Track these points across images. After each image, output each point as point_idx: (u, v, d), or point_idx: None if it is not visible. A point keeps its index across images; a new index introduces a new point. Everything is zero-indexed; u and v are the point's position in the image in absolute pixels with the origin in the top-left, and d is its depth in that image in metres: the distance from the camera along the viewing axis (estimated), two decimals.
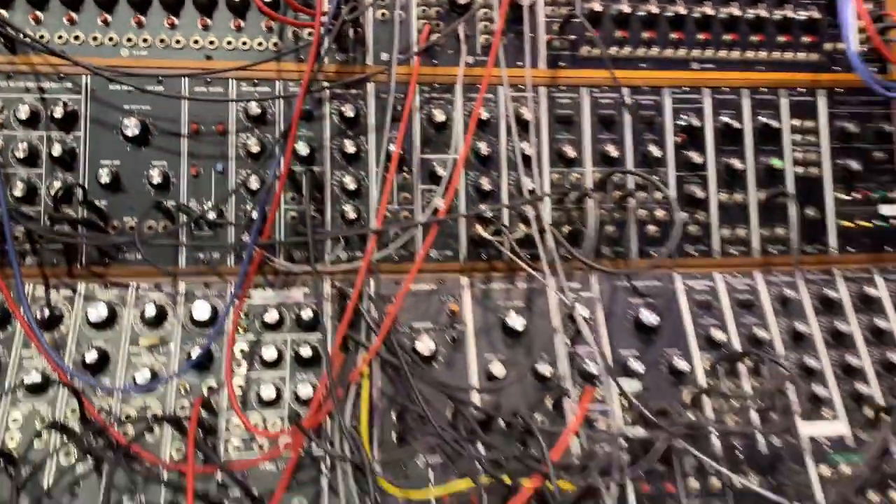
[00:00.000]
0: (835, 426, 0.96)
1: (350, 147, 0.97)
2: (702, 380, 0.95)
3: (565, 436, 0.85)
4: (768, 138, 1.07)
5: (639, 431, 0.90)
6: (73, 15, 0.96)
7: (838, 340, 1.01)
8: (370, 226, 0.95)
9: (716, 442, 0.92)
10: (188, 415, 0.83)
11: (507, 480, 0.83)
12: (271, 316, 0.92)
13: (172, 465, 0.81)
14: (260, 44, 0.99)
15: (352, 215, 0.96)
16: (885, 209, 1.09)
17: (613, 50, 1.05)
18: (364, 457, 0.76)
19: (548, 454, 0.80)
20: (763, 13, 1.08)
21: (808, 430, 0.95)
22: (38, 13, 0.95)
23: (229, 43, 0.99)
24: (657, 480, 0.90)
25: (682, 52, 1.07)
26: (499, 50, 0.98)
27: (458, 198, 1.00)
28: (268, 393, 0.87)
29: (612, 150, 1.03)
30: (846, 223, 1.08)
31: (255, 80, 0.98)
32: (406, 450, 0.87)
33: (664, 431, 0.86)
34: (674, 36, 1.07)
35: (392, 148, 0.96)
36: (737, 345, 0.98)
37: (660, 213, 1.03)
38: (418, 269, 0.91)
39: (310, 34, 0.96)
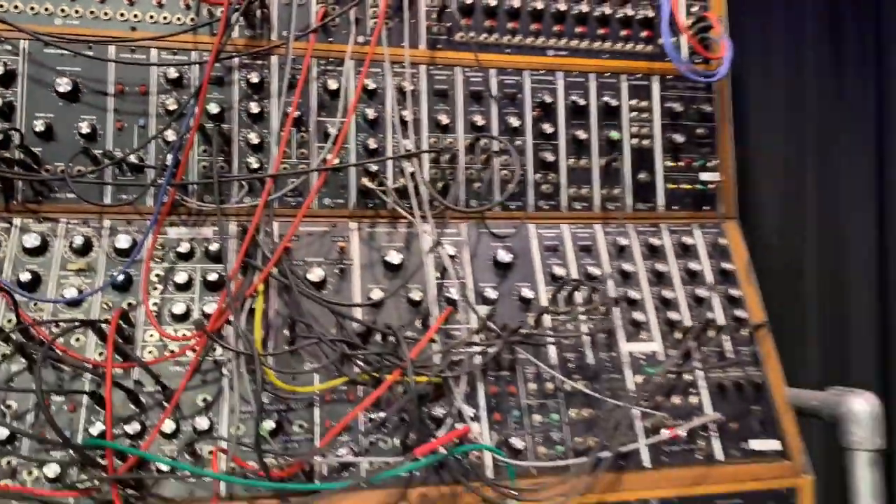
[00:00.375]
0: (650, 345, 1.19)
1: (255, 108, 1.15)
2: (542, 304, 1.17)
3: (424, 340, 1.05)
4: (609, 114, 1.30)
5: (490, 346, 1.10)
6: None
7: (659, 278, 1.25)
8: (273, 166, 1.13)
9: (552, 355, 1.14)
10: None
11: (376, 376, 1.03)
12: (183, 247, 1.09)
13: (94, 362, 0.97)
14: (178, 18, 1.16)
15: (255, 165, 1.14)
16: (704, 175, 1.33)
17: (483, 36, 1.26)
18: (255, 351, 0.94)
19: (407, 353, 1.00)
20: (607, 10, 1.31)
21: (628, 347, 1.18)
22: None
23: (151, 17, 1.15)
24: (503, 384, 1.11)
25: (540, 41, 1.28)
26: (382, 32, 1.18)
27: (349, 154, 1.19)
28: (178, 310, 1.04)
29: (480, 120, 1.24)
30: (672, 186, 1.32)
31: (175, 50, 1.15)
32: (295, 357, 1.06)
33: (503, 339, 1.07)
34: (533, 27, 1.28)
35: (289, 110, 1.14)
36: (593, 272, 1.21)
37: (518, 173, 1.25)
38: (307, 208, 1.10)
39: (221, 10, 1.13)
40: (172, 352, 1.01)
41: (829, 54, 2.00)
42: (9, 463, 0.92)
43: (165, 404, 0.98)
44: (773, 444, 1.15)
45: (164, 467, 0.93)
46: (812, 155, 1.96)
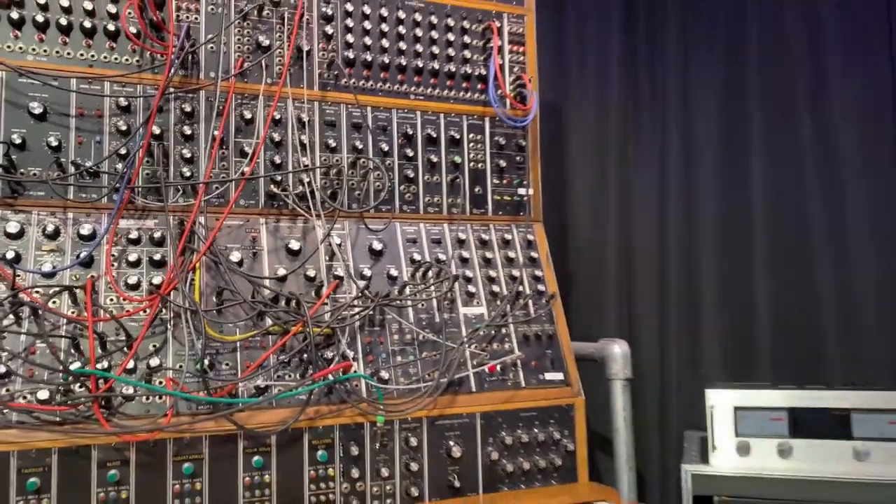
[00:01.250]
0: (479, 309, 1.68)
1: (188, 130, 1.52)
2: (405, 279, 1.63)
3: (318, 302, 1.47)
4: (454, 144, 1.78)
5: (354, 308, 1.54)
6: None
7: (487, 263, 1.74)
8: (203, 174, 1.51)
9: (410, 315, 1.60)
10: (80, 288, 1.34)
11: (284, 328, 1.44)
12: (133, 235, 1.44)
13: (73, 317, 1.32)
14: (126, 59, 1.51)
15: (187, 174, 1.51)
16: (521, 191, 1.85)
17: (361, 83, 1.70)
18: (198, 307, 1.33)
19: (307, 311, 1.42)
20: (453, 68, 1.79)
21: (463, 310, 1.66)
22: None
23: (105, 57, 1.49)
24: (375, 335, 1.55)
25: (404, 88, 1.75)
26: (286, 76, 1.59)
27: (260, 167, 1.59)
28: (132, 281, 1.40)
29: (359, 144, 1.68)
30: (497, 197, 1.82)
31: (123, 84, 1.50)
32: (222, 315, 1.44)
33: (375, 303, 1.52)
34: (399, 77, 1.74)
35: (215, 133, 1.53)
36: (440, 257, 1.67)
37: (387, 185, 1.70)
38: (231, 206, 1.49)
39: (162, 57, 1.50)
40: (128, 311, 1.37)
41: (625, 97, 2.63)
42: (7, 390, 1.25)
43: (126, 350, 1.33)
44: (558, 376, 1.68)
45: (130, 390, 1.29)
46: (613, 176, 2.58)
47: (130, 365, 1.32)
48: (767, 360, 2.50)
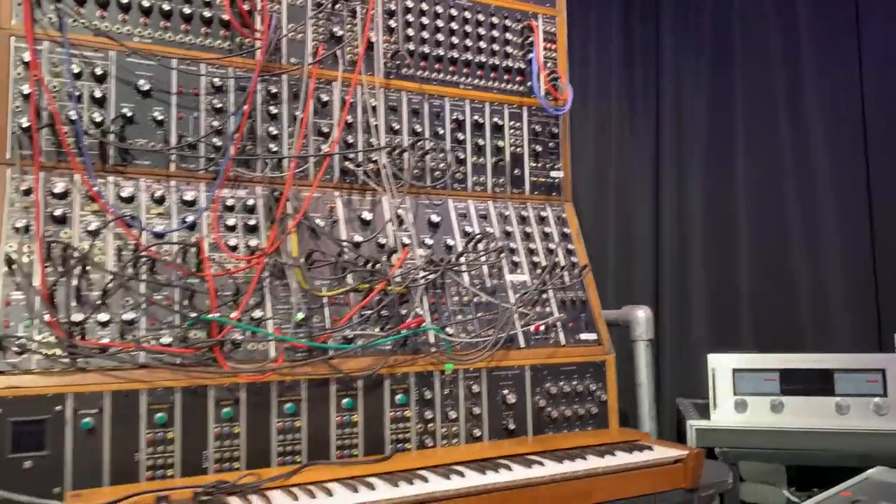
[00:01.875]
0: (522, 276, 1.89)
1: (273, 110, 1.69)
2: (460, 249, 1.82)
3: (396, 264, 1.66)
4: (497, 130, 1.99)
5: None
6: (104, 12, 1.55)
7: (527, 237, 1.95)
8: (293, 153, 1.68)
9: (466, 280, 1.80)
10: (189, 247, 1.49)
11: (367, 286, 1.62)
12: (230, 203, 1.60)
13: (186, 272, 1.47)
14: (218, 42, 1.66)
15: (274, 149, 1.68)
16: (553, 173, 2.07)
17: (419, 73, 1.89)
18: (301, 264, 1.50)
19: (390, 271, 1.61)
20: (497, 61, 2.00)
21: (509, 277, 1.87)
22: (81, 9, 1.53)
23: (200, 40, 1.64)
24: (438, 297, 1.75)
25: (455, 78, 1.94)
26: (361, 65, 1.77)
27: (336, 146, 1.77)
28: (232, 243, 1.56)
29: (417, 127, 1.87)
30: (534, 179, 2.03)
31: (217, 66, 1.65)
32: (313, 273, 1.61)
33: (441, 268, 1.71)
34: (451, 68, 1.94)
35: (296, 113, 1.70)
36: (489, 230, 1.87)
37: (442, 165, 1.89)
38: (318, 180, 1.66)
39: (251, 42, 1.66)
40: (239, 268, 1.53)
41: (624, 97, 2.89)
42: (133, 336, 1.40)
43: (232, 304, 1.49)
44: (592, 336, 1.90)
45: (239, 338, 1.46)
46: (615, 165, 2.83)
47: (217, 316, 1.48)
48: (749, 331, 2.79)
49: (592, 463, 1.52)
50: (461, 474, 1.40)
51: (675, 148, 2.88)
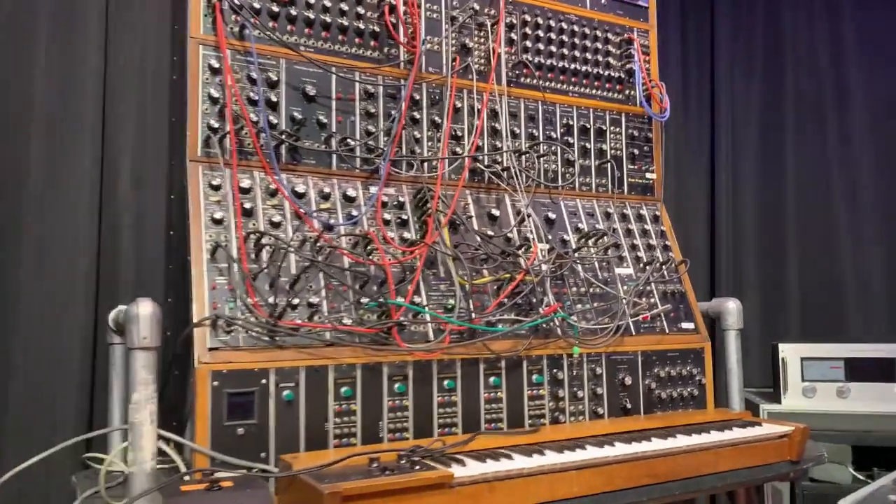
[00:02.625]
0: (628, 270, 2.06)
1: (417, 115, 1.85)
2: (573, 244, 1.99)
3: (531, 258, 1.82)
4: (600, 134, 2.16)
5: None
6: (275, 23, 1.70)
7: (628, 234, 2.13)
8: (438, 155, 1.83)
9: (580, 272, 1.97)
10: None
11: (509, 276, 1.78)
12: (384, 199, 1.76)
13: (360, 260, 1.62)
14: (367, 52, 1.81)
15: (417, 151, 1.84)
16: (648, 175, 2.25)
17: (535, 81, 2.06)
18: (458, 255, 1.66)
19: (526, 263, 1.77)
20: (600, 71, 2.17)
21: (617, 270, 2.04)
22: (257, 20, 1.68)
23: (354, 50, 1.80)
24: (559, 287, 1.91)
25: (564, 87, 2.11)
26: (492, 75, 1.93)
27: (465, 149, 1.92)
28: (391, 235, 1.72)
29: (534, 132, 2.03)
30: (632, 180, 2.21)
31: (367, 74, 1.81)
32: (458, 263, 1.77)
33: (565, 258, 1.88)
34: (561, 77, 2.10)
35: (435, 118, 1.85)
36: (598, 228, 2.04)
37: (554, 166, 2.06)
38: (463, 181, 1.83)
39: (402, 52, 1.81)
40: (404, 258, 1.68)
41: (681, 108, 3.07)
42: (319, 317, 1.55)
43: (390, 287, 1.65)
44: (691, 325, 2.08)
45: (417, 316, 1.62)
46: (673, 172, 3.01)
47: (401, 300, 1.64)
48: (797, 323, 2.99)
49: (717, 437, 1.70)
50: (612, 444, 1.57)
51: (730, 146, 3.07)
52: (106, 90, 1.97)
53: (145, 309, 1.34)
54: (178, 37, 2.00)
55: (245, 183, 1.61)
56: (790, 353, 2.43)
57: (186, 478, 1.28)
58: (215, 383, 1.41)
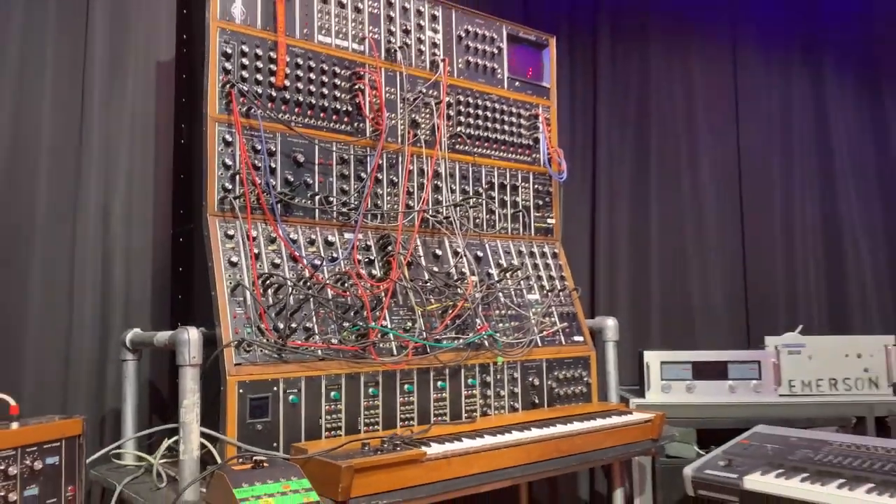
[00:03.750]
0: (535, 296, 2.66)
1: (378, 176, 2.34)
2: (496, 277, 2.56)
3: (469, 287, 2.37)
4: (514, 188, 2.75)
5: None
6: (273, 105, 2.14)
7: (534, 266, 2.73)
8: (397, 209, 2.34)
9: (502, 298, 2.54)
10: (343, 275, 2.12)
11: (451, 303, 2.32)
12: (356, 243, 2.24)
13: (342, 293, 2.10)
14: (341, 127, 2.29)
15: (379, 204, 2.33)
16: (549, 220, 2.86)
17: (466, 147, 2.61)
18: (417, 288, 2.17)
19: (465, 292, 2.32)
20: (514, 140, 2.76)
21: (528, 296, 2.63)
22: (258, 102, 2.11)
23: (331, 125, 2.27)
24: (488, 311, 2.47)
25: (488, 152, 2.68)
26: (441, 142, 2.46)
27: (415, 202, 2.44)
28: (362, 272, 2.20)
29: (468, 188, 2.58)
30: (537, 224, 2.82)
31: (342, 144, 2.28)
32: (415, 294, 2.28)
33: (491, 288, 2.45)
34: (486, 144, 2.67)
35: (393, 178, 2.36)
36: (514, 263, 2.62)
37: (481, 214, 2.62)
38: (417, 230, 2.34)
39: (370, 127, 2.31)
40: (376, 291, 2.17)
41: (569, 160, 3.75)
42: (312, 338, 2.01)
43: (367, 314, 2.14)
44: (581, 338, 2.71)
45: (384, 336, 2.11)
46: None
47: (375, 325, 2.13)
48: (658, 334, 3.74)
49: (601, 422, 2.32)
50: (529, 429, 2.15)
51: (607, 194, 3.78)
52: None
53: (193, 335, 1.76)
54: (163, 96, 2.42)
55: (252, 233, 2.04)
56: (652, 358, 3.13)
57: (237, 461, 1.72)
58: (240, 391, 1.85)
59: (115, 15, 2.45)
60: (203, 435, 1.78)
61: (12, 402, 1.45)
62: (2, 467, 1.31)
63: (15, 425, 1.38)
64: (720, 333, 3.74)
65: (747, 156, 3.86)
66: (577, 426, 2.25)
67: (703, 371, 3.13)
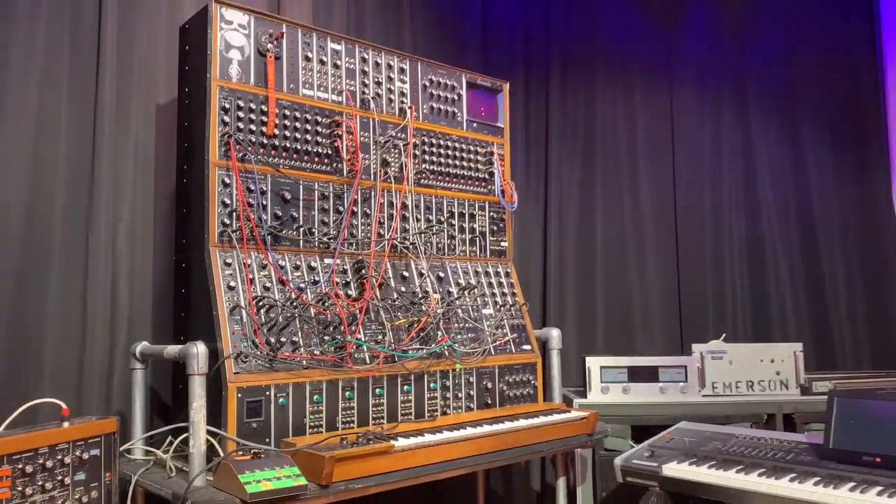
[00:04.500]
0: (490, 311, 3.06)
1: (354, 209, 2.72)
2: (456, 294, 2.96)
3: (431, 305, 2.76)
4: (472, 216, 3.15)
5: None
6: (264, 150, 2.51)
7: (489, 285, 3.13)
8: (372, 238, 2.72)
9: (460, 313, 2.94)
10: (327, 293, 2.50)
11: (415, 319, 2.71)
12: (335, 268, 2.62)
13: (323, 311, 2.48)
14: (321, 168, 2.66)
15: (354, 233, 2.71)
16: (503, 244, 3.27)
17: (431, 181, 3.00)
18: (388, 306, 2.56)
19: (428, 309, 2.71)
20: (472, 174, 3.16)
21: (484, 311, 3.04)
22: (252, 147, 2.48)
23: (314, 167, 2.64)
24: (448, 324, 2.87)
25: (450, 185, 3.08)
26: (408, 178, 2.85)
27: (386, 231, 2.82)
28: (340, 292, 2.58)
29: (432, 217, 2.98)
30: (492, 247, 3.22)
31: (322, 182, 2.65)
32: (386, 313, 2.67)
33: (451, 305, 2.84)
34: (445, 178, 3.07)
35: (368, 210, 2.74)
36: (471, 282, 3.02)
37: (443, 239, 3.02)
38: (387, 254, 2.73)
39: (341, 167, 2.68)
40: (352, 309, 2.55)
41: (524, 184, 4.17)
42: (298, 350, 2.38)
43: (343, 329, 2.51)
44: (528, 347, 3.12)
45: (359, 347, 2.49)
46: (519, 226, 4.09)
47: (351, 338, 2.51)
48: (601, 341, 4.19)
49: (544, 419, 2.74)
50: (482, 426, 2.55)
51: (557, 213, 4.22)
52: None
53: (201, 349, 2.12)
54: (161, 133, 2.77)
55: (247, 261, 2.41)
56: (593, 363, 3.56)
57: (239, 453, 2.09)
58: (239, 395, 2.21)
59: (121, 62, 2.78)
60: (208, 432, 2.13)
61: (64, 405, 1.80)
62: (59, 457, 1.66)
63: (66, 424, 1.73)
64: (657, 340, 4.20)
65: (682, 182, 4.33)
66: (521, 423, 2.66)
67: (637, 374, 3.57)
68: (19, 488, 1.56)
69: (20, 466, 1.57)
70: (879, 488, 2.28)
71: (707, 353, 3.64)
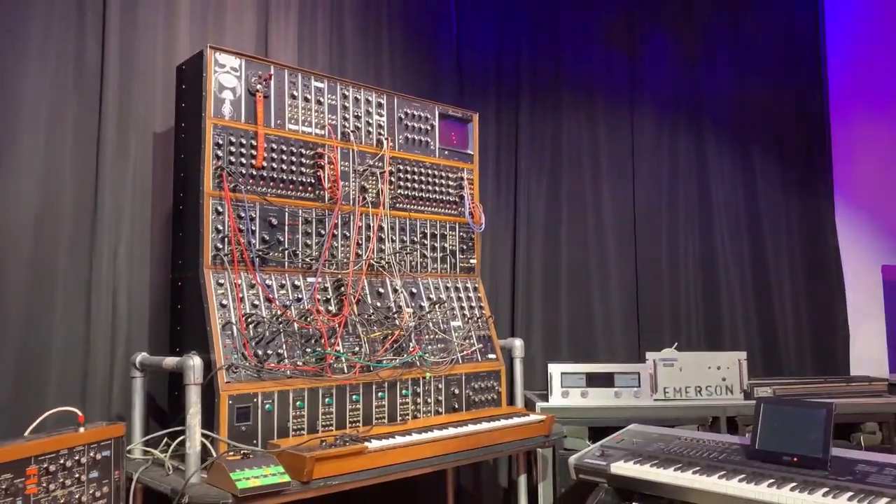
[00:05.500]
0: (458, 323, 3.36)
1: (334, 232, 3.01)
2: (427, 309, 3.25)
3: (404, 318, 3.05)
4: (444, 236, 3.45)
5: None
6: (253, 181, 2.78)
7: (458, 300, 3.43)
8: (351, 259, 3.00)
9: (431, 325, 3.23)
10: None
11: (390, 331, 3.00)
12: (317, 286, 2.90)
13: (306, 326, 2.76)
14: (304, 195, 2.94)
15: (334, 254, 3.00)
16: (471, 261, 3.57)
17: (405, 205, 3.29)
18: (364, 321, 2.85)
19: (401, 323, 3.00)
20: (444, 198, 3.45)
21: (452, 323, 3.34)
22: (242, 179, 2.75)
23: (296, 194, 2.92)
24: (420, 335, 3.16)
25: (422, 208, 3.37)
26: (384, 202, 3.14)
27: (364, 252, 3.11)
28: (321, 308, 2.86)
29: (406, 238, 3.27)
30: (462, 265, 3.52)
31: (305, 209, 2.93)
32: (363, 329, 2.96)
33: (423, 319, 3.14)
34: (416, 202, 3.36)
35: (347, 233, 3.03)
36: (441, 297, 3.31)
37: (416, 258, 3.31)
38: (365, 272, 3.02)
39: (324, 195, 2.96)
40: (332, 323, 2.83)
41: (495, 200, 4.48)
42: (283, 361, 2.66)
43: (323, 342, 2.80)
44: (493, 356, 3.42)
45: (338, 358, 2.78)
46: (489, 247, 4.40)
47: (330, 350, 2.80)
48: (565, 349, 4.50)
49: (504, 422, 3.04)
50: (448, 428, 2.85)
51: (525, 231, 4.53)
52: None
53: (197, 361, 2.39)
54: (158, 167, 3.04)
55: (238, 281, 2.68)
56: (555, 369, 3.87)
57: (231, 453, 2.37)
58: (230, 402, 2.49)
59: (122, 90, 3.03)
60: (202, 435, 2.41)
61: (80, 413, 2.07)
62: (76, 458, 1.93)
63: (82, 429, 2.00)
64: (617, 348, 4.53)
65: (641, 201, 4.66)
66: (484, 426, 2.96)
67: (595, 380, 3.89)
68: (44, 485, 1.83)
69: (45, 466, 1.84)
70: (793, 484, 2.62)
71: (659, 361, 3.97)
